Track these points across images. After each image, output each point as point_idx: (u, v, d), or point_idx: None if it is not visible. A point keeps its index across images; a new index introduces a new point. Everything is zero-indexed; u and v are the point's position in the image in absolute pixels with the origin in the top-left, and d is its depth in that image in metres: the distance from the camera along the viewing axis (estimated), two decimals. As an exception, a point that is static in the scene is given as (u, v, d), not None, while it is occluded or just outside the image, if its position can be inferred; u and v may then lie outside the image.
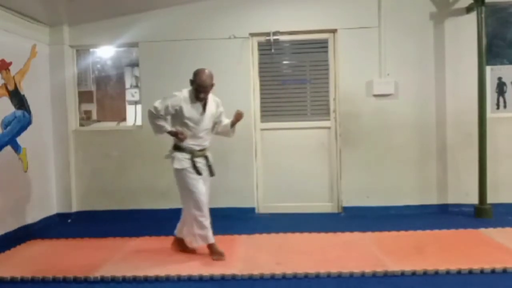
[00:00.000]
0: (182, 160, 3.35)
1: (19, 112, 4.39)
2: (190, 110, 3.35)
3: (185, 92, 3.40)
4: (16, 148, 4.34)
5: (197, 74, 3.37)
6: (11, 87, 4.29)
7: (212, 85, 3.39)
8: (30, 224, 4.48)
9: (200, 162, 3.41)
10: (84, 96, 5.23)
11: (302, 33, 4.91)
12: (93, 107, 6.21)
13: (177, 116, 3.36)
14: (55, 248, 3.86)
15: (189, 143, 3.37)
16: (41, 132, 4.78)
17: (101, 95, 5.93)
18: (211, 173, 3.49)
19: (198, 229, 3.39)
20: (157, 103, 3.34)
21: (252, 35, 4.92)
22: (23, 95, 4.46)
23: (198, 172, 3.36)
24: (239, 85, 4.89)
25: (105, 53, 5.25)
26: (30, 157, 4.51)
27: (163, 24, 4.92)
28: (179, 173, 3.36)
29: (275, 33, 4.84)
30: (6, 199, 4.14)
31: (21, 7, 4.35)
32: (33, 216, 4.55)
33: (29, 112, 4.54)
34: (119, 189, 4.93)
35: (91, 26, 4.98)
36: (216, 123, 3.57)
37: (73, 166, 5.03)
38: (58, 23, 4.90)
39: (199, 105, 3.39)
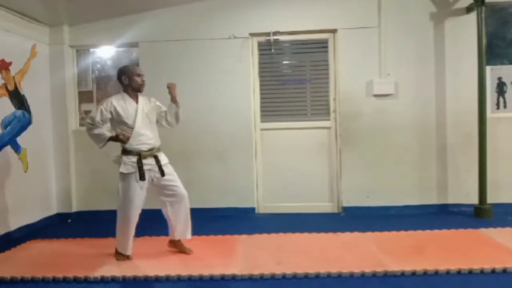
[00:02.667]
0: (128, 164, 3.31)
1: (19, 112, 4.39)
2: (124, 108, 3.34)
3: (114, 97, 3.42)
4: (16, 148, 4.34)
5: (126, 66, 3.52)
6: (11, 87, 4.29)
7: None
8: (30, 224, 4.49)
9: (150, 164, 3.35)
10: (84, 96, 5.22)
11: (302, 33, 4.91)
12: (93, 107, 6.20)
13: (114, 119, 3.35)
14: (55, 248, 3.86)
15: (133, 144, 3.32)
16: (41, 132, 4.78)
17: (101, 95, 5.91)
18: (162, 173, 3.38)
19: (121, 238, 3.42)
20: (92, 113, 3.37)
21: (252, 35, 4.92)
22: (23, 95, 4.46)
23: (142, 176, 3.29)
24: (239, 85, 4.89)
25: (105, 53, 5.25)
26: (30, 157, 4.52)
27: (163, 24, 4.92)
28: (124, 178, 3.33)
29: (275, 33, 4.84)
30: (6, 199, 4.14)
31: (21, 7, 4.34)
32: (33, 216, 4.55)
33: (29, 112, 4.54)
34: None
35: (91, 26, 4.98)
36: (162, 115, 3.53)
37: (73, 166, 5.03)
38: (58, 23, 4.90)
39: (131, 101, 3.38)
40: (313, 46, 4.96)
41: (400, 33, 4.76)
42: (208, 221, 4.62)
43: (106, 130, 3.37)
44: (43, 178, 4.79)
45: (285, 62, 5.05)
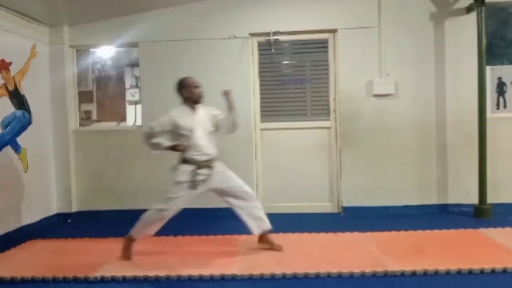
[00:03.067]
0: (184, 173, 3.35)
1: (19, 112, 4.39)
2: (183, 120, 3.37)
3: (174, 110, 3.44)
4: (16, 148, 4.34)
5: (184, 79, 3.48)
6: (11, 87, 4.29)
7: None
8: (30, 224, 4.48)
9: (204, 174, 3.39)
10: (84, 96, 5.23)
11: (302, 33, 4.91)
12: (93, 107, 6.22)
13: (174, 131, 3.38)
14: (55, 248, 3.86)
15: (191, 154, 3.37)
16: (41, 132, 4.78)
17: (101, 95, 5.93)
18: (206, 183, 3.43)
19: (144, 228, 3.43)
20: (152, 123, 3.42)
21: (252, 35, 4.92)
22: (23, 95, 4.46)
23: (193, 186, 3.33)
24: (239, 85, 4.87)
25: (105, 53, 5.26)
26: (30, 157, 4.52)
27: (163, 24, 4.92)
28: (177, 185, 3.36)
29: (275, 33, 4.84)
30: (6, 199, 4.14)
31: (21, 7, 4.35)
32: (33, 216, 4.55)
33: (29, 112, 4.54)
34: (119, 189, 4.93)
35: (91, 26, 4.98)
36: (220, 123, 3.54)
37: (73, 166, 5.03)
38: (58, 23, 4.90)
39: (190, 113, 3.42)
40: (313, 46, 4.96)
41: (400, 33, 4.76)
42: (208, 221, 4.62)
43: (164, 140, 3.40)
44: (43, 178, 4.78)
45: (285, 62, 5.04)
